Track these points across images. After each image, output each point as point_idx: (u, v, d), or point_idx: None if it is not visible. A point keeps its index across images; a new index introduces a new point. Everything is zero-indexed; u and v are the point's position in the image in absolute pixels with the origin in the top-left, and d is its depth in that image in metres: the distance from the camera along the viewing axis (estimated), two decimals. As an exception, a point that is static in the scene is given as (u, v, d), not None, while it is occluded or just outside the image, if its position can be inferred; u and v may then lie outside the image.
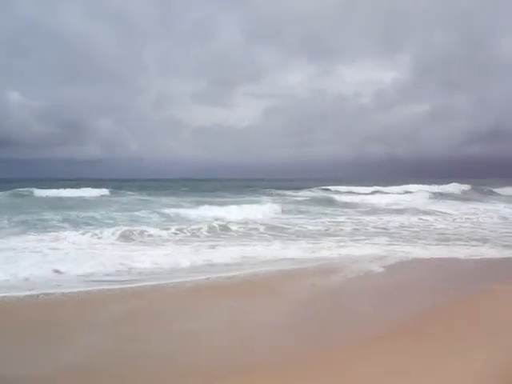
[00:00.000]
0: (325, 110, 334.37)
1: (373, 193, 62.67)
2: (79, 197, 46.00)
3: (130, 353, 7.35)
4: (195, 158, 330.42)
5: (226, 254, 15.26)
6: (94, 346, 7.63)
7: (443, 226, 24.46)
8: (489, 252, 16.04)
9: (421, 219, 27.66)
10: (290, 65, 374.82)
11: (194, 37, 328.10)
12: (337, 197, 46.95)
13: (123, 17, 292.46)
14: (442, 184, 74.31)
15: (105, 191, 53.39)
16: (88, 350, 7.46)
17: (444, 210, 33.88)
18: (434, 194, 56.50)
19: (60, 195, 46.17)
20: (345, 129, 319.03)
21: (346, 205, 39.34)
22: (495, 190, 68.94)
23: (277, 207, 32.10)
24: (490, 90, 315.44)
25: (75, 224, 22.86)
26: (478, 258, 14.77)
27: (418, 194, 55.41)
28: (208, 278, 12.00)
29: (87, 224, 23.32)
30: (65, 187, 53.74)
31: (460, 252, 16.07)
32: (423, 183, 74.51)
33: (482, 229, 23.23)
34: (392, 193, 60.20)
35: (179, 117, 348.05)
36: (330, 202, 41.30)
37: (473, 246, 17.70)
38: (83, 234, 19.17)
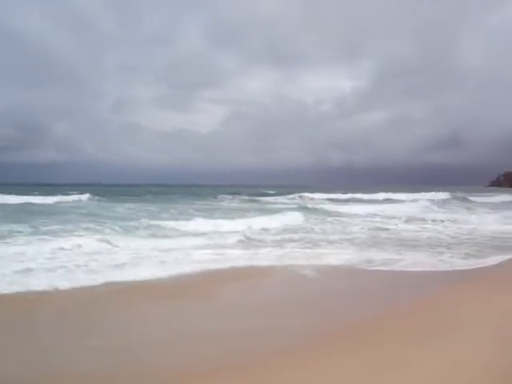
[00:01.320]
0: (286, 117, 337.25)
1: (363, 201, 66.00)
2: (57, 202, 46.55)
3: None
4: (155, 163, 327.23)
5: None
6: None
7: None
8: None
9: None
10: (251, 70, 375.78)
11: (155, 40, 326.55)
12: (326, 206, 47.52)
13: (83, 19, 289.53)
14: (414, 192, 77.93)
15: (86, 196, 53.51)
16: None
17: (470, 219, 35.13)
18: (431, 202, 57.29)
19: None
20: (306, 135, 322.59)
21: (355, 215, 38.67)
22: (470, 198, 71.70)
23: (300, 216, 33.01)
24: (448, 99, 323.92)
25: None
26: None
27: (412, 203, 56.06)
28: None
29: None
30: (29, 193, 52.30)
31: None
32: (386, 191, 77.54)
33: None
34: (379, 201, 63.25)
35: (139, 121, 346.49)
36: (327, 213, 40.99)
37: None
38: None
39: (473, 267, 16.23)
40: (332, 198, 70.59)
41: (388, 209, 45.85)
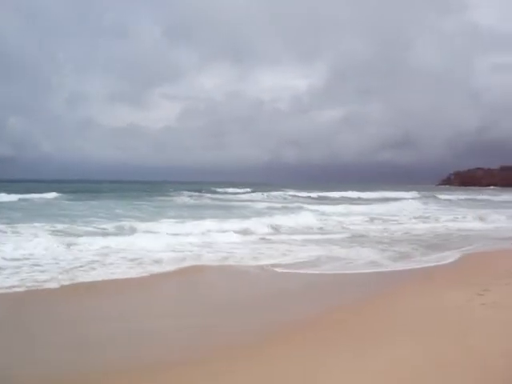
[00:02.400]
0: (241, 114, 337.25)
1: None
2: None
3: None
4: (110, 159, 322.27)
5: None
6: None
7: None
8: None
9: None
10: (208, 67, 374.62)
11: (110, 35, 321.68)
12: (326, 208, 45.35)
13: (38, 14, 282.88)
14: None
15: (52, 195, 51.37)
16: None
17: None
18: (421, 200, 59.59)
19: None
20: (261, 133, 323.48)
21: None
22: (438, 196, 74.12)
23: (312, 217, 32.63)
24: (401, 99, 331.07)
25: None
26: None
27: (403, 201, 56.67)
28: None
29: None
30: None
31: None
32: (346, 190, 78.65)
33: None
34: (372, 200, 63.15)
35: (94, 116, 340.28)
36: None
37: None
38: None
39: (427, 265, 16.66)
40: (310, 197, 70.89)
41: (391, 209, 45.94)
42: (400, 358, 7.27)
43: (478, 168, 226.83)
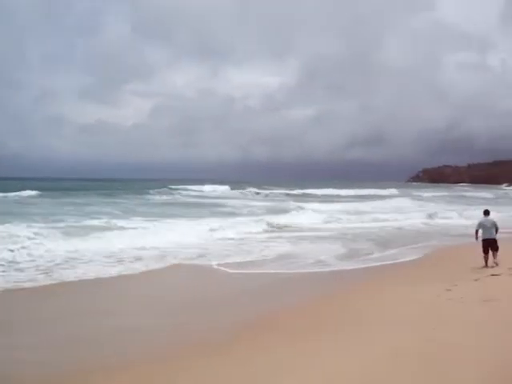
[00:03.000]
0: (212, 111, 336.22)
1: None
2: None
3: None
4: (79, 156, 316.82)
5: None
6: None
7: None
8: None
9: None
10: (179, 64, 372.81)
11: (80, 32, 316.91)
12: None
13: (5, 11, 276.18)
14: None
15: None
16: None
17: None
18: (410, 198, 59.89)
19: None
20: (232, 130, 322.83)
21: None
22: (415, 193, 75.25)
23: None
24: (372, 97, 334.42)
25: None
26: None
27: (394, 199, 57.57)
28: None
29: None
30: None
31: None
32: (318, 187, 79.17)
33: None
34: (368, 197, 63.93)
35: (63, 114, 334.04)
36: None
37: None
38: None
39: (391, 262, 17.18)
40: (290, 194, 71.16)
41: (387, 206, 46.62)
42: (368, 353, 7.49)
43: (446, 165, 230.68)
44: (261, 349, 8.06)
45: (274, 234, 24.26)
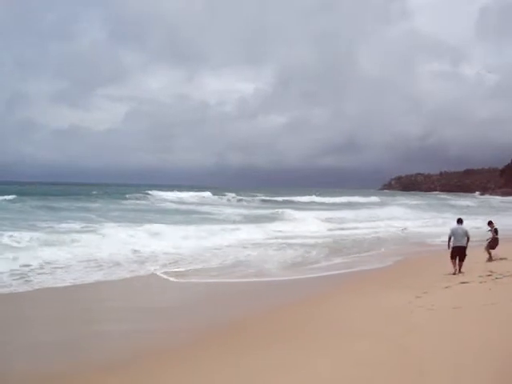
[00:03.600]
0: (187, 117, 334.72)
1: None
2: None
3: None
4: (51, 160, 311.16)
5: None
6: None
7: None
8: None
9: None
10: (153, 68, 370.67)
11: (54, 35, 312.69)
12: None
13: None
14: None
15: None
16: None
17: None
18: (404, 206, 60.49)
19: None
20: (206, 136, 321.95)
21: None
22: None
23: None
24: (346, 104, 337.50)
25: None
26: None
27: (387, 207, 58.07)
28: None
29: None
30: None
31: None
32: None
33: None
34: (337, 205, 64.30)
35: (35, 118, 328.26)
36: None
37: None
38: None
39: (358, 269, 17.45)
40: (274, 200, 70.48)
41: (382, 214, 46.81)
42: (336, 361, 7.51)
43: (418, 173, 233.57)
44: (224, 355, 8.11)
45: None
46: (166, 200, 60.23)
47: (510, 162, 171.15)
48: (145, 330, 9.92)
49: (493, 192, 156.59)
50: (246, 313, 11.27)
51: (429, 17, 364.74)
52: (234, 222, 35.38)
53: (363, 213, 47.66)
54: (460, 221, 16.68)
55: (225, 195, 73.89)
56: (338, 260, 19.44)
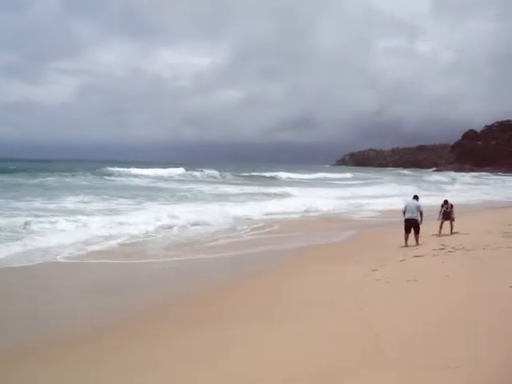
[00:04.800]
0: (141, 91, 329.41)
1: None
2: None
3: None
4: (1, 135, 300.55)
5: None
6: None
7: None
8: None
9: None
10: (107, 42, 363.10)
11: (4, 6, 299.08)
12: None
13: None
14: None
15: None
16: None
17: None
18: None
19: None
20: (161, 111, 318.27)
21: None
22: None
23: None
24: (302, 81, 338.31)
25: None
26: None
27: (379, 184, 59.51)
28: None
29: None
30: None
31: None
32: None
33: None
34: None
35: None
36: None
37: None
38: None
39: (322, 242, 17.67)
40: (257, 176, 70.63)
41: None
42: (297, 333, 7.61)
43: (371, 149, 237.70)
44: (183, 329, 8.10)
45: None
46: (139, 177, 57.17)
47: (460, 138, 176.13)
48: (98, 307, 9.86)
49: (444, 168, 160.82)
50: (204, 287, 11.30)
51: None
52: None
53: (363, 191, 47.61)
54: (416, 197, 17.73)
55: (202, 171, 71.93)
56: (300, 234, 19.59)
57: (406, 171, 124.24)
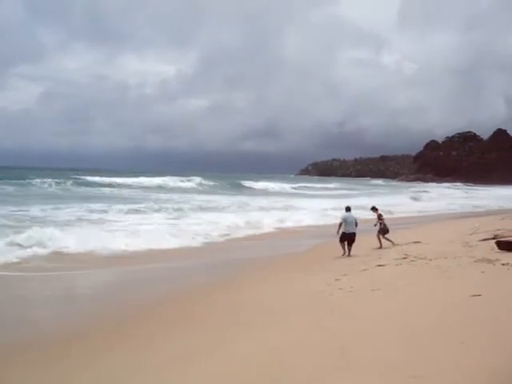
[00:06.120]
0: (106, 98, 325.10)
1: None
2: None
3: None
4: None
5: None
6: None
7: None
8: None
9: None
10: (71, 48, 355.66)
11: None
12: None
13: None
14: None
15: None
16: None
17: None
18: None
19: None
20: (125, 118, 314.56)
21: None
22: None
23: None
24: (269, 89, 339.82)
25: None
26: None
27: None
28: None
29: None
30: None
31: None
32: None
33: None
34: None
35: None
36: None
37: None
38: None
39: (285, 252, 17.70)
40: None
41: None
42: (260, 342, 7.61)
43: (334, 159, 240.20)
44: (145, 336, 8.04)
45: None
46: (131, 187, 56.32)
47: (422, 148, 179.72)
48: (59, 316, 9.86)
49: (406, 178, 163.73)
50: (163, 296, 11.33)
51: (354, 3, 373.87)
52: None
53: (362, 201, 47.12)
54: (348, 209, 18.10)
55: (189, 180, 70.38)
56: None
57: (380, 181, 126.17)
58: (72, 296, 11.90)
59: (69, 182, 54.75)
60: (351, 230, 17.16)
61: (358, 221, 17.62)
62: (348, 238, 17.11)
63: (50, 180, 54.01)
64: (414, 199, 56.47)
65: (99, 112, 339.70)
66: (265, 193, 60.90)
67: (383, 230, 18.62)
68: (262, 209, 35.34)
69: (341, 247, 17.11)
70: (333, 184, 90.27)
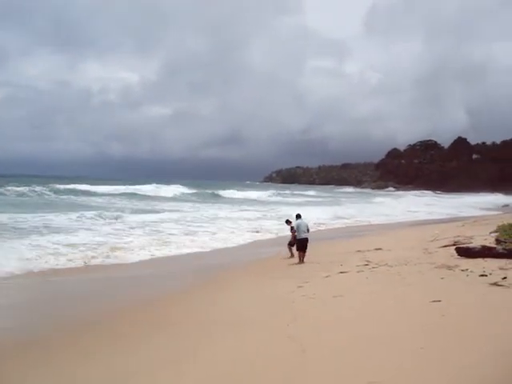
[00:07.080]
0: (67, 105, 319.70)
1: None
2: None
3: None
4: None
5: None
6: None
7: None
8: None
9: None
10: (33, 53, 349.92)
11: None
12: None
13: None
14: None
15: None
16: None
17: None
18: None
19: None
20: (87, 125, 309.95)
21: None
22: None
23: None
24: (233, 97, 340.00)
25: None
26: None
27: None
28: None
29: None
30: None
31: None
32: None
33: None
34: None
35: None
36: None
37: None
38: None
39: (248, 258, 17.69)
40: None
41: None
42: (222, 349, 7.62)
43: (298, 167, 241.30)
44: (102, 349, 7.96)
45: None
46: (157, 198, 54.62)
47: (384, 156, 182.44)
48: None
49: (368, 185, 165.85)
50: (127, 304, 11.22)
51: (321, 12, 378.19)
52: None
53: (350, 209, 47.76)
54: (299, 216, 18.53)
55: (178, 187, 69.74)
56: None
57: (351, 189, 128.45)
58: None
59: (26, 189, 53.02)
60: (304, 236, 17.59)
61: (309, 227, 18.12)
62: (303, 243, 17.45)
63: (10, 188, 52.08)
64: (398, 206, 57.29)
65: (61, 118, 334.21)
66: (243, 201, 59.30)
67: (292, 242, 18.59)
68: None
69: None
70: (312, 191, 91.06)
